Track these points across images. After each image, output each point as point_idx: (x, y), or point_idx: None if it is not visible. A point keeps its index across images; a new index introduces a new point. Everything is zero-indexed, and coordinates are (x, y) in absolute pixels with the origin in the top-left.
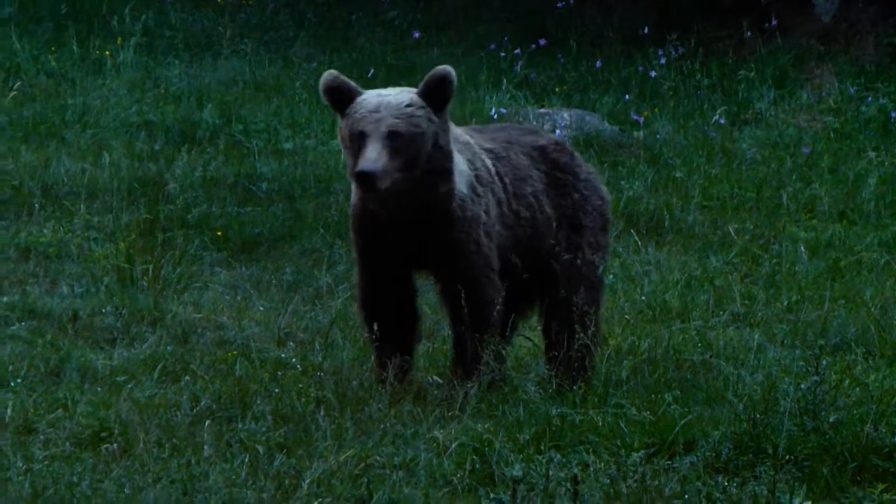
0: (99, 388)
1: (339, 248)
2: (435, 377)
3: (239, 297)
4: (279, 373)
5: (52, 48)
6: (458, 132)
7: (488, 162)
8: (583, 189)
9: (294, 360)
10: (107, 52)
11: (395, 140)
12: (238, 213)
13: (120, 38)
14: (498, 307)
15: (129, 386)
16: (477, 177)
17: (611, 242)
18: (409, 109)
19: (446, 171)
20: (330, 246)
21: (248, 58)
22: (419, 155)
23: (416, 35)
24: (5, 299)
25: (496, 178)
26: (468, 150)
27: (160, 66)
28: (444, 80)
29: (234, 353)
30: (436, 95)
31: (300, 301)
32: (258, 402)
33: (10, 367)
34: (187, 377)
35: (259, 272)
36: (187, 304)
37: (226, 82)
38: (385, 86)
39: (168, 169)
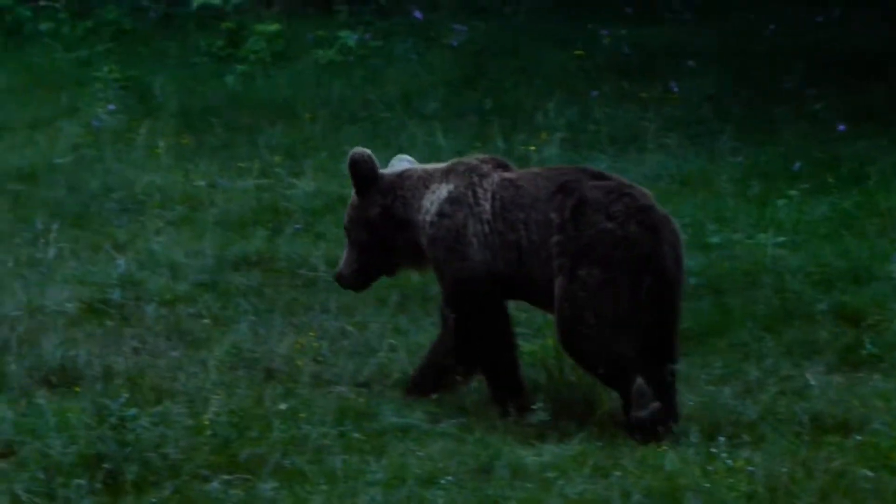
0: (529, 485)
1: (768, 341)
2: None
3: None
4: (709, 467)
5: (477, 143)
6: (470, 164)
7: (482, 186)
8: (571, 231)
9: (723, 454)
10: (531, 147)
11: (346, 235)
12: None
13: (544, 133)
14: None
15: (560, 482)
16: (451, 198)
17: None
18: (350, 202)
19: (403, 224)
20: (758, 339)
21: (672, 152)
22: (360, 236)
23: (841, 128)
24: (434, 396)
25: (486, 201)
26: (460, 178)
27: (585, 160)
28: (350, 163)
29: (664, 447)
30: (353, 178)
31: (730, 395)
32: (689, 496)
33: (440, 465)
34: (617, 472)
35: (687, 366)
36: (617, 398)
37: (651, 176)
38: (808, 179)
39: None
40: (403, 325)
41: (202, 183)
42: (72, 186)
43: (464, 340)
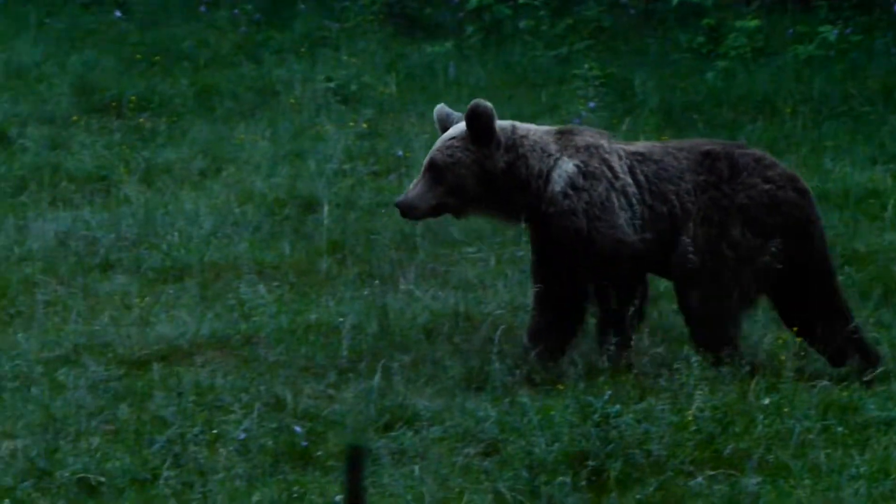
0: None
1: None
2: None
3: None
4: None
5: None
6: (587, 139)
7: (615, 161)
8: (727, 189)
9: None
10: None
11: (433, 170)
12: None
13: None
14: (615, 291)
15: None
16: (584, 172)
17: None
18: (450, 142)
19: (522, 183)
20: None
21: None
22: (462, 180)
23: None
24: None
25: (625, 175)
26: (586, 153)
27: None
28: (472, 114)
29: None
30: (473, 128)
31: None
32: None
33: None
34: None
35: None
36: None
37: None
38: None
39: None
40: (887, 319)
41: None
42: None
43: (616, 303)
